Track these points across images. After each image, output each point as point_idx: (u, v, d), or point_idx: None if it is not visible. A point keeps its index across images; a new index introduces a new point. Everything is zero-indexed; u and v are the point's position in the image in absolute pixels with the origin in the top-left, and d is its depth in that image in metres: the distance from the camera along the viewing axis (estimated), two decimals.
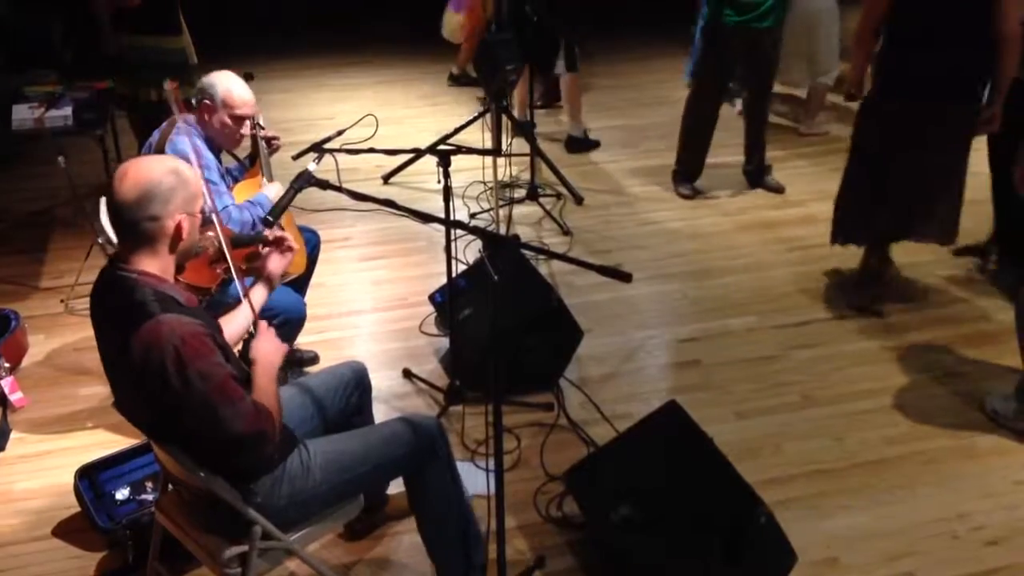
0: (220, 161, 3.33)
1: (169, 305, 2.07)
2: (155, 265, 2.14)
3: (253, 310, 2.45)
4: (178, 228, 2.13)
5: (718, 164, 5.88)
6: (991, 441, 3.33)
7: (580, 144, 6.13)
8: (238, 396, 2.08)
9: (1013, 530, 2.93)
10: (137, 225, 2.10)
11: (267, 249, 2.62)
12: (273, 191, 3.33)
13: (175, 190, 2.11)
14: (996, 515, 2.99)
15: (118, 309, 2.10)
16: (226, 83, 3.22)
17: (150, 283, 2.10)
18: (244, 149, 3.50)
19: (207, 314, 2.29)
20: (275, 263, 2.59)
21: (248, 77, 3.64)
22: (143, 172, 2.10)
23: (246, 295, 2.49)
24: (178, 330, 2.02)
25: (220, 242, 2.46)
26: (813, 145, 6.17)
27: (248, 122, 3.28)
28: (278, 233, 2.65)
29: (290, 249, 2.62)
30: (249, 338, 2.40)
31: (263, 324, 2.40)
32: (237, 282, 2.51)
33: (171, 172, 2.13)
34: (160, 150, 3.15)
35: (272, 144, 3.55)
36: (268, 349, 2.32)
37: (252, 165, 3.56)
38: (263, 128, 3.55)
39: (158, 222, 2.10)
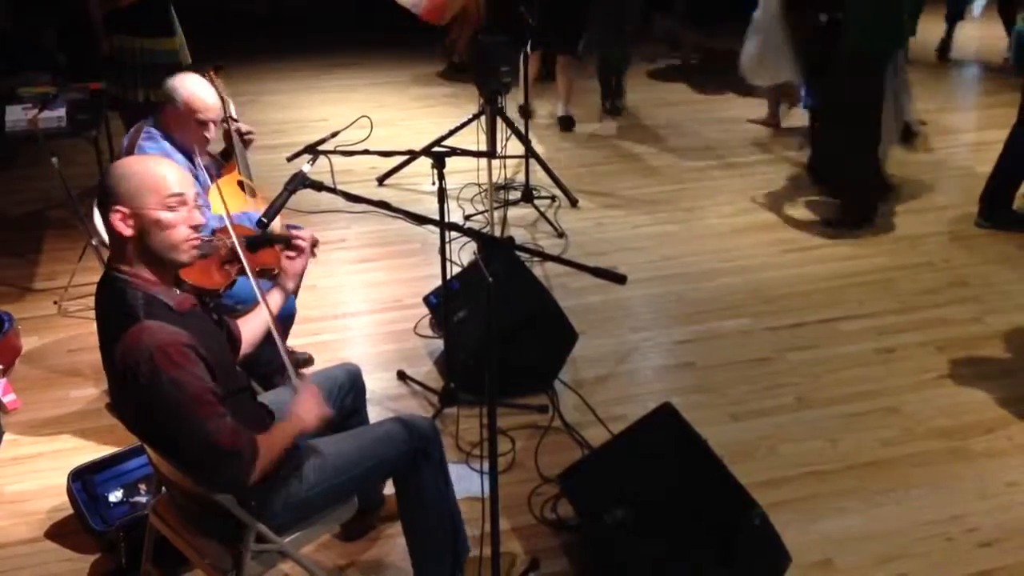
0: (194, 164, 3.31)
1: (156, 310, 2.06)
2: (137, 266, 2.11)
3: (272, 314, 2.44)
4: (116, 223, 2.07)
5: (711, 167, 5.91)
6: (984, 443, 3.34)
7: (569, 123, 6.64)
8: (213, 412, 2.04)
9: (1006, 532, 2.93)
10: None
11: (284, 250, 2.62)
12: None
13: (119, 182, 2.08)
14: (990, 517, 2.99)
15: (109, 311, 2.11)
16: (189, 87, 3.20)
17: (141, 286, 2.09)
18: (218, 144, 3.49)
19: (206, 320, 2.28)
20: (292, 263, 2.59)
21: (218, 69, 3.63)
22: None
23: (263, 297, 2.49)
24: (157, 337, 2.01)
25: (234, 243, 2.45)
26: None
27: (213, 125, 3.26)
28: (295, 233, 2.65)
29: (301, 250, 2.60)
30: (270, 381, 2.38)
31: (307, 384, 2.38)
32: (253, 283, 2.50)
33: (122, 164, 2.13)
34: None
35: (246, 138, 3.53)
36: (307, 411, 2.29)
37: (228, 160, 3.55)
38: (236, 121, 3.54)
39: (108, 218, 2.09)
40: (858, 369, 3.79)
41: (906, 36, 4.91)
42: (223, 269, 2.65)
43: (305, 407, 2.30)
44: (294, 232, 2.67)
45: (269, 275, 2.94)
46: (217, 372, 2.12)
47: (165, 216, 2.09)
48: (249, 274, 2.51)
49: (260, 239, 2.75)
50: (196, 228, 2.15)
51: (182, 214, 2.11)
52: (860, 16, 4.67)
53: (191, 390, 2.01)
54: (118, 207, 2.07)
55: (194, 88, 3.20)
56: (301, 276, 2.64)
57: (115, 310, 2.08)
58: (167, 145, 3.19)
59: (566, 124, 6.62)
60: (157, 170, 2.12)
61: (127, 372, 2.02)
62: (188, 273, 2.40)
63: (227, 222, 2.31)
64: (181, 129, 3.22)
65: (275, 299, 2.56)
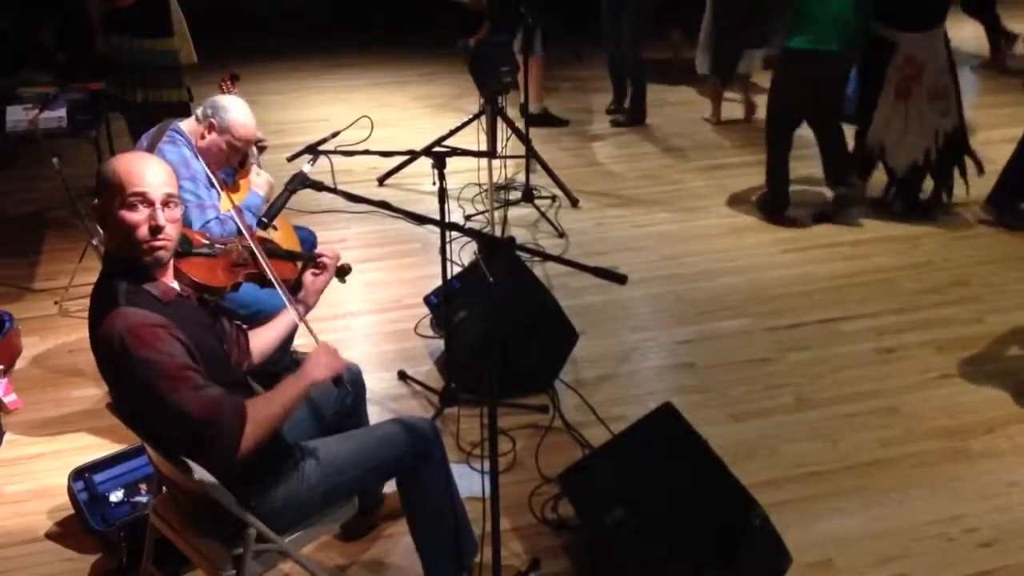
0: (211, 171, 3.32)
1: (139, 299, 2.09)
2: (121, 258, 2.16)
3: (308, 327, 2.48)
4: (94, 216, 2.20)
5: (711, 167, 5.91)
6: (984, 443, 3.34)
7: (537, 120, 6.49)
8: (184, 384, 2.03)
9: (1007, 532, 2.93)
10: None
11: (310, 268, 2.65)
12: (262, 181, 3.35)
13: (100, 176, 2.14)
14: (990, 517, 2.99)
15: (96, 302, 2.14)
16: (237, 112, 3.21)
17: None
18: None
19: (197, 311, 2.28)
20: (315, 280, 2.63)
21: (235, 78, 3.65)
22: None
23: (291, 303, 2.53)
24: (128, 319, 2.03)
25: (249, 247, 2.46)
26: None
27: (244, 155, 3.32)
28: (321, 251, 2.68)
29: (325, 268, 2.64)
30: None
31: (325, 341, 2.41)
32: (279, 289, 2.52)
33: (109, 160, 2.19)
34: None
35: (259, 145, 3.55)
36: (315, 366, 2.30)
37: (242, 167, 3.56)
38: None
39: None
40: (858, 369, 3.79)
41: (832, 38, 4.55)
42: (231, 270, 2.65)
43: (314, 362, 2.31)
44: (320, 251, 2.70)
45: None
46: (199, 357, 2.11)
47: (121, 214, 2.10)
48: (277, 284, 2.53)
49: (284, 254, 2.78)
50: (156, 231, 2.11)
51: (141, 214, 2.10)
52: (789, 15, 4.68)
53: (160, 367, 2.02)
54: (94, 201, 2.15)
55: (241, 115, 3.21)
56: (321, 292, 2.66)
57: (100, 300, 2.11)
58: (187, 152, 3.19)
59: (532, 120, 6.56)
60: (132, 168, 2.12)
61: (103, 357, 2.07)
62: (190, 267, 2.39)
63: (241, 226, 2.32)
64: (213, 145, 3.21)
65: (295, 312, 2.56)
